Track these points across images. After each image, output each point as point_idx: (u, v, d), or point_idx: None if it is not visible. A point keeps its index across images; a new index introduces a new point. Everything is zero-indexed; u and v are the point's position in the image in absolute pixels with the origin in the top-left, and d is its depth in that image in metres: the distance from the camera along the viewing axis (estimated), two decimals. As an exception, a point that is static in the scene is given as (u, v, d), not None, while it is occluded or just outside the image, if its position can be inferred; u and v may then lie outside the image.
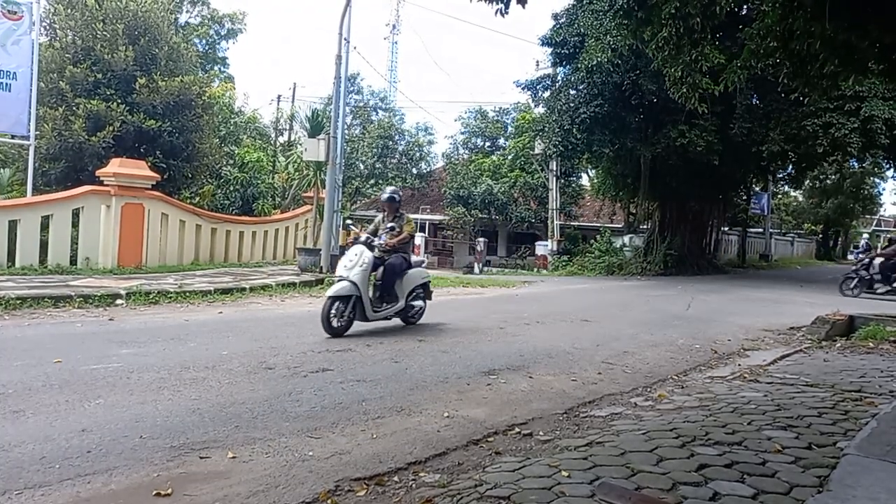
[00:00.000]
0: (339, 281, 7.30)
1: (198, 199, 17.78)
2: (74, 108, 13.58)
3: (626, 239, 23.82)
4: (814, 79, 6.18)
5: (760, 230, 35.45)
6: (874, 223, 64.22)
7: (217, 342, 6.58)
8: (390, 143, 34.91)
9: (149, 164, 13.18)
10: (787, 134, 17.49)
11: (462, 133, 38.61)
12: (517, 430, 4.30)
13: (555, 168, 25.72)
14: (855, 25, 5.16)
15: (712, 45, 6.72)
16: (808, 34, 5.42)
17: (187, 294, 9.83)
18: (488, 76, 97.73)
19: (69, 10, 14.73)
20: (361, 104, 38.27)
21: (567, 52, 20.52)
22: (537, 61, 25.68)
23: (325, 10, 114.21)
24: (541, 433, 4.25)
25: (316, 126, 15.95)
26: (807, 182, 36.02)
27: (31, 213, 11.16)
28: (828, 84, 6.46)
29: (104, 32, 14.33)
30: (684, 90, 6.79)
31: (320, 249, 14.19)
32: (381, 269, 7.66)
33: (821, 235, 48.33)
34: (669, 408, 4.87)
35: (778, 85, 7.82)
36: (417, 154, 36.19)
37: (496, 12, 6.00)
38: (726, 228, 30.32)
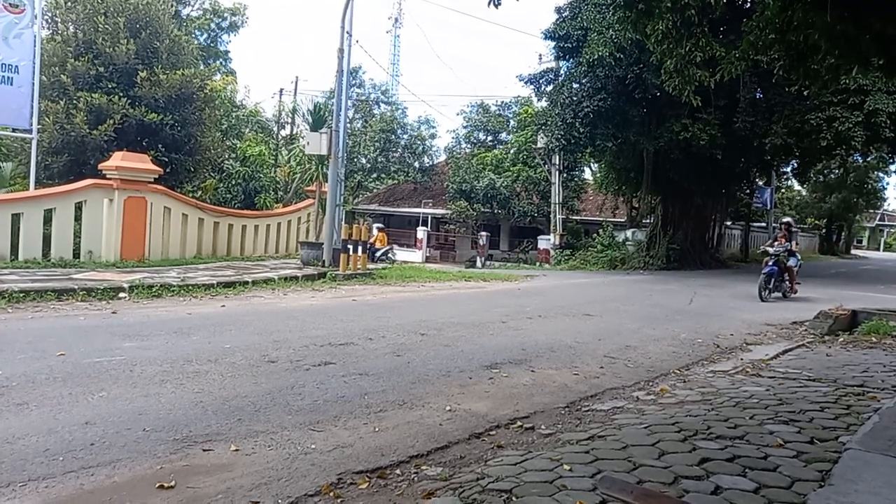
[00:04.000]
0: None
1: (200, 192, 17.81)
2: (76, 102, 13.57)
3: (629, 233, 23.81)
4: (813, 71, 6.16)
5: (763, 224, 35.34)
6: (878, 218, 64.13)
7: (220, 335, 6.60)
8: (392, 136, 34.87)
9: (151, 157, 13.18)
10: (791, 128, 17.39)
11: (464, 127, 38.58)
12: (519, 423, 4.31)
13: (557, 162, 25.67)
14: (855, 17, 5.12)
15: (710, 38, 6.71)
16: (807, 25, 5.38)
17: (190, 287, 9.85)
18: (491, 71, 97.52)
19: (70, 4, 14.72)
20: (363, 98, 38.17)
21: (570, 45, 20.42)
22: (540, 55, 25.59)
23: (327, 4, 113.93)
24: (543, 427, 4.26)
25: (318, 120, 15.91)
26: (810, 176, 35.86)
27: (34, 206, 11.18)
28: (828, 77, 6.44)
29: (105, 26, 14.31)
30: (677, 82, 6.80)
31: (322, 243, 14.19)
32: None
33: (824, 230, 48.18)
34: (671, 402, 4.87)
35: (781, 78, 7.78)
36: (420, 148, 36.14)
37: (489, 3, 6.03)
38: (729, 223, 30.26)
